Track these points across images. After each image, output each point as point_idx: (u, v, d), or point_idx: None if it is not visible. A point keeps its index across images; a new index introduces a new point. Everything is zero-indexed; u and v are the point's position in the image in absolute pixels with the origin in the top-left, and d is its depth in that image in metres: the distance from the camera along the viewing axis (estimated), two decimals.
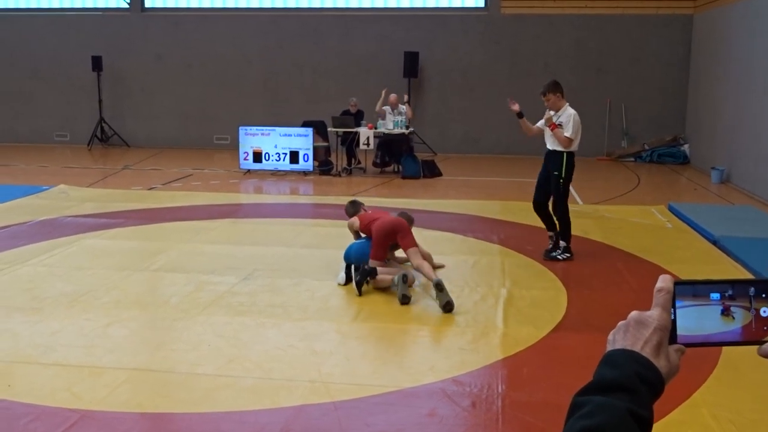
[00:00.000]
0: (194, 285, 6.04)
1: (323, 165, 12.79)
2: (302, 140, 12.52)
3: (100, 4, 16.89)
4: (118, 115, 16.72)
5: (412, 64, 15.11)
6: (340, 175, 12.51)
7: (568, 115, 6.97)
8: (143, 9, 16.66)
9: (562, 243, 7.04)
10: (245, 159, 12.70)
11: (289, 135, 12.62)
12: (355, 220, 6.69)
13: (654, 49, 14.93)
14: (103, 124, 16.45)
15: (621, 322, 1.07)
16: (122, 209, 9.17)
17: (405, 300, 5.59)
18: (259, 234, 7.97)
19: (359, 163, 13.35)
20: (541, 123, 7.18)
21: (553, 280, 6.32)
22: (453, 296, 5.55)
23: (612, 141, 15.25)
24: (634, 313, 1.06)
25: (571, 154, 7.10)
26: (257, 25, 16.12)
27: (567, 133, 6.92)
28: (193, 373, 4.33)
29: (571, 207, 9.55)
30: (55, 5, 17.06)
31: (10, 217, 8.52)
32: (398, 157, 12.76)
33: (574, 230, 8.13)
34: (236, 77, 16.25)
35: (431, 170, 12.54)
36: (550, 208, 7.17)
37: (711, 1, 13.49)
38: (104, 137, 16.43)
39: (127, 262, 6.71)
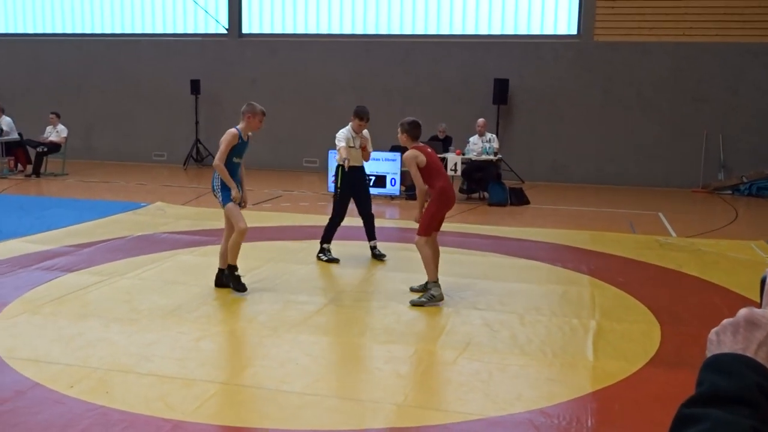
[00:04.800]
0: (282, 304, 6.15)
1: (410, 189, 12.83)
2: (390, 164, 12.62)
3: (200, 30, 17.59)
4: (213, 136, 17.24)
5: (501, 91, 15.05)
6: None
7: (365, 133, 8.04)
8: (240, 35, 17.25)
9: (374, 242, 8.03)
10: (333, 182, 12.86)
11: (377, 159, 12.72)
12: (421, 157, 6.15)
13: (754, 78, 14.40)
14: (199, 145, 17.05)
15: (727, 321, 0.95)
16: (215, 227, 9.41)
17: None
18: (346, 256, 8.05)
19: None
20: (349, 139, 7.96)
21: (646, 313, 6.12)
22: (541, 326, 5.46)
23: (708, 173, 14.73)
24: (744, 311, 0.94)
25: None
26: (349, 51, 16.42)
27: (371, 149, 8.09)
28: (280, 389, 4.39)
29: (664, 240, 9.33)
30: (159, 30, 17.87)
31: (110, 232, 8.90)
32: (485, 184, 12.69)
33: (668, 263, 7.92)
34: (327, 102, 16.56)
35: (519, 198, 12.40)
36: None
37: None
38: (199, 158, 17.02)
39: None
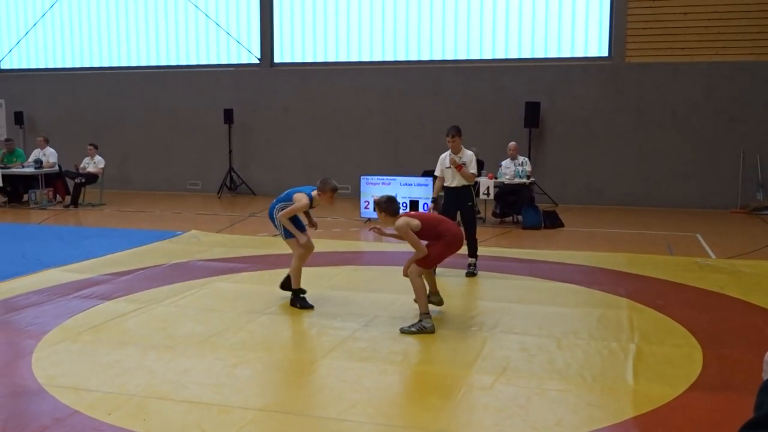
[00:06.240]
0: (317, 329, 6.14)
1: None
2: (422, 189, 12.62)
3: (233, 60, 17.86)
4: (246, 164, 17.48)
5: (533, 114, 15.02)
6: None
7: (469, 155, 8.35)
8: (272, 64, 17.48)
9: (473, 259, 8.39)
10: (366, 208, 12.92)
11: (410, 184, 12.75)
12: (413, 222, 6.14)
13: None
14: (232, 174, 17.24)
15: None
16: (249, 254, 9.50)
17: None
18: (379, 281, 8.04)
19: (479, 213, 13.27)
20: (441, 168, 8.47)
21: (687, 336, 5.99)
22: (579, 350, 5.37)
23: (746, 193, 14.49)
24: None
25: (474, 185, 8.65)
26: (379, 78, 16.54)
27: (473, 170, 8.33)
28: (316, 415, 4.37)
29: (704, 261, 9.17)
30: (192, 62, 18.19)
31: (146, 260, 9.00)
32: (519, 207, 12.61)
33: (709, 285, 7.79)
34: (358, 128, 16.67)
35: (553, 221, 12.30)
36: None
37: None
38: (233, 186, 17.20)
39: (254, 305, 6.92)
